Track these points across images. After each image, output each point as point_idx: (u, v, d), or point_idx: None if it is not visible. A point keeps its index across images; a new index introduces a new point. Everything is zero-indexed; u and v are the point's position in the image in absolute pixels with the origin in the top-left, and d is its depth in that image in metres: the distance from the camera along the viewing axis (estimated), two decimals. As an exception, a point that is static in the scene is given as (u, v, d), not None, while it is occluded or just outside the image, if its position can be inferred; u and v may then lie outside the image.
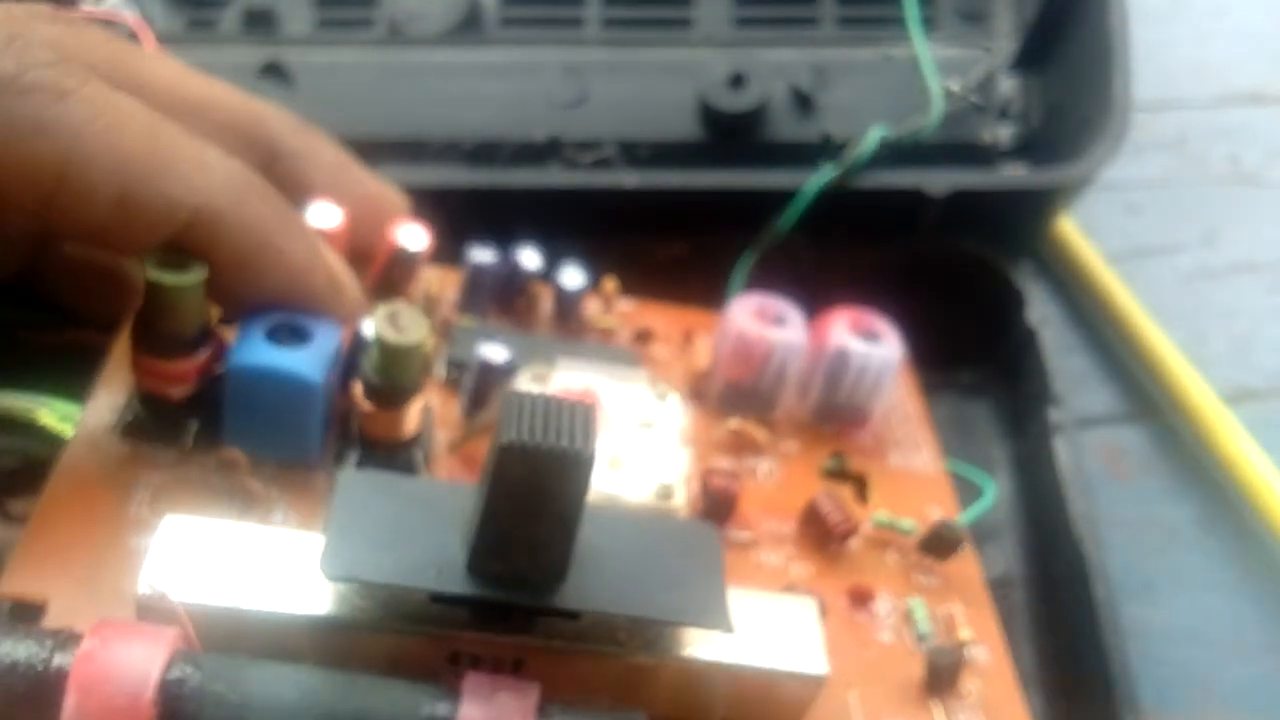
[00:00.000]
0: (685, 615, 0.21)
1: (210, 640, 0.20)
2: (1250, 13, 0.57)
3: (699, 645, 0.22)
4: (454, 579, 0.20)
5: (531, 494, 0.20)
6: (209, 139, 0.25)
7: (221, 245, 0.24)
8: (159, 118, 0.24)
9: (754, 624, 0.23)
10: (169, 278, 0.24)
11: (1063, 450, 0.37)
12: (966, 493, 0.33)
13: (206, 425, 0.25)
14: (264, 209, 0.25)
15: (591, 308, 0.34)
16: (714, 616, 0.22)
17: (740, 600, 0.23)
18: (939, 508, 0.31)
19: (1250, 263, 0.48)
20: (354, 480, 0.22)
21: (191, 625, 0.20)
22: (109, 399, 0.26)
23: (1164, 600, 0.38)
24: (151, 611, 0.20)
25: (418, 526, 0.21)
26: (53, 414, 0.26)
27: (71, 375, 0.27)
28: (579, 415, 0.20)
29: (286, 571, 0.21)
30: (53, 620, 0.22)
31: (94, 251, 0.29)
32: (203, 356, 0.25)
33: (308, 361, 0.25)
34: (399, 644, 0.21)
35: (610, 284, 0.34)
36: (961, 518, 0.31)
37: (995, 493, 0.32)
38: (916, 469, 0.33)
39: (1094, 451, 0.42)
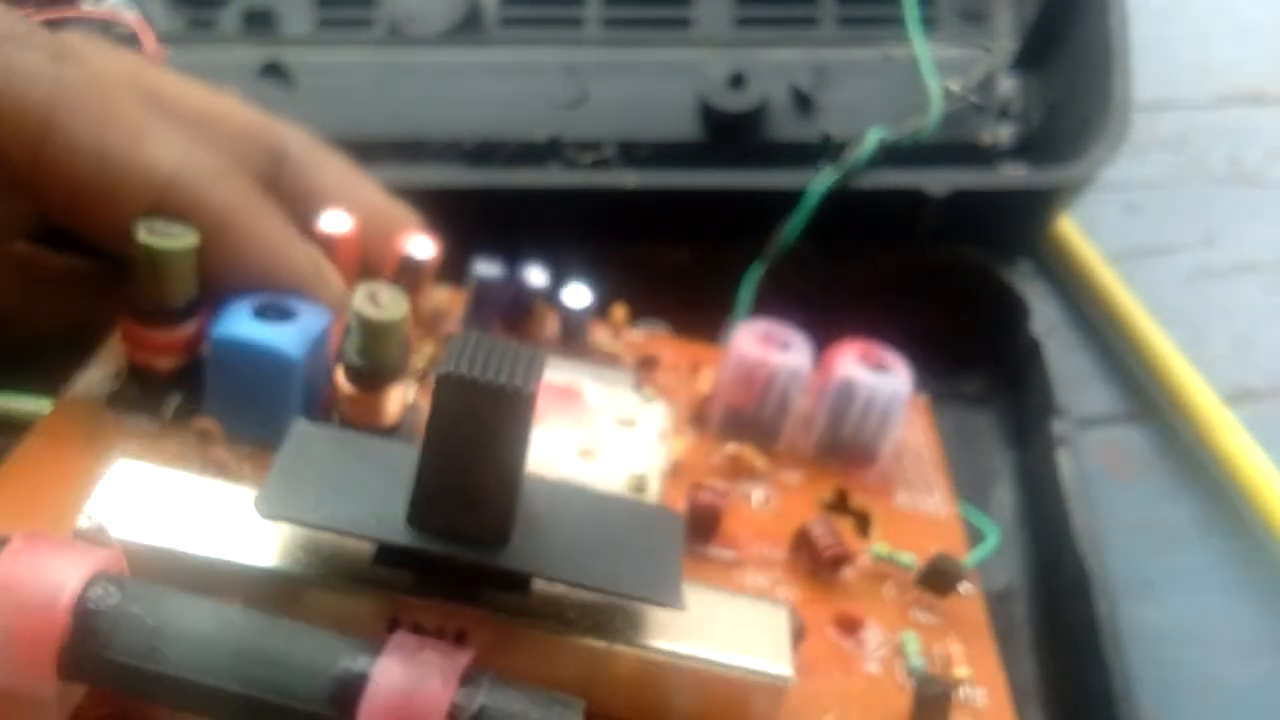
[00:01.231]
0: (634, 588, 0.20)
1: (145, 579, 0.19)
2: (1251, 12, 0.57)
3: (654, 635, 0.21)
4: (394, 530, 0.20)
5: (470, 433, 0.19)
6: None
7: (201, 211, 0.25)
8: (151, 102, 0.25)
9: (718, 622, 0.22)
10: (159, 242, 0.24)
11: (1066, 463, 0.36)
12: (971, 536, 0.31)
13: (189, 400, 0.26)
14: (241, 186, 0.26)
15: (599, 334, 0.33)
16: (665, 592, 0.21)
17: (706, 597, 0.22)
18: (945, 548, 0.29)
19: (1250, 263, 0.48)
20: (307, 431, 0.21)
21: (127, 563, 0.19)
22: (102, 369, 0.26)
23: (1164, 600, 0.38)
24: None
25: (365, 479, 0.21)
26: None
27: None
28: (524, 357, 0.19)
29: (232, 522, 0.21)
30: None
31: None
32: (190, 329, 0.25)
33: (289, 338, 0.25)
34: (338, 604, 0.20)
35: (619, 311, 0.33)
36: (965, 561, 0.29)
37: (999, 539, 0.30)
38: (926, 510, 0.31)
39: (1094, 452, 0.41)
